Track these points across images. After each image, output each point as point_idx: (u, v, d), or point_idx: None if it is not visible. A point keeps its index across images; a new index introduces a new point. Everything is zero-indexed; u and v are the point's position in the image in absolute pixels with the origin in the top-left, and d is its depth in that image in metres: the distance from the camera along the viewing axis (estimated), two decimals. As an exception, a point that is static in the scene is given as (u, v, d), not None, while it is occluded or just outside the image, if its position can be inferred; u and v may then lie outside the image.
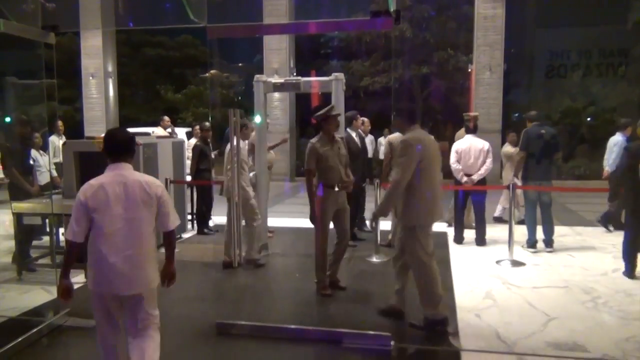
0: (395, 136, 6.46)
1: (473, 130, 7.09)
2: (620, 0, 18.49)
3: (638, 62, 17.65)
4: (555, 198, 11.88)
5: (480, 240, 7.07)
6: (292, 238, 7.63)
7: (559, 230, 7.92)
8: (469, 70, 15.56)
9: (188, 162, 8.34)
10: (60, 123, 8.39)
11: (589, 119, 18.56)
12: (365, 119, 7.66)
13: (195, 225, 8.10)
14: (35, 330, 4.14)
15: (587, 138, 18.10)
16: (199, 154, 7.75)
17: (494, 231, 7.45)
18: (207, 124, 8.19)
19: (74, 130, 15.98)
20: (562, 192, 12.88)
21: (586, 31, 19.04)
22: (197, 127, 8.36)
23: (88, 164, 6.68)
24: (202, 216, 7.97)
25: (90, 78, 16.94)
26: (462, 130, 7.39)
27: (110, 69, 17.33)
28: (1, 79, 13.77)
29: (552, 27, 20.17)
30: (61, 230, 6.34)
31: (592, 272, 5.76)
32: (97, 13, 15.83)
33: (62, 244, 6.15)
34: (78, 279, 5.56)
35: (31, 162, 6.63)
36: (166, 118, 9.65)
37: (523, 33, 20.64)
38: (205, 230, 7.87)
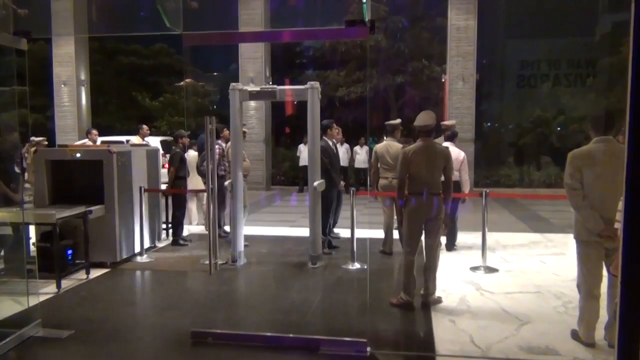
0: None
1: (450, 138, 7.18)
2: (588, 13, 19.06)
3: (605, 74, 18.16)
4: (527, 206, 12.18)
5: (450, 246, 7.19)
6: (267, 246, 7.61)
7: (531, 237, 8.10)
8: (443, 80, 15.81)
9: (163, 171, 8.25)
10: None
11: (558, 128, 19.00)
12: (337, 128, 7.63)
13: (170, 234, 7.99)
14: (2, 342, 4.00)
15: (557, 147, 18.50)
16: (180, 161, 7.69)
17: (467, 238, 7.55)
18: (183, 131, 8.15)
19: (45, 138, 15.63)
20: (534, 200, 13.15)
21: (555, 42, 19.54)
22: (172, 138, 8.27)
23: (60, 173, 6.58)
24: (177, 225, 7.87)
25: (62, 86, 16.69)
26: (441, 138, 7.46)
27: (82, 76, 17.10)
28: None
29: (522, 38, 20.67)
30: (31, 240, 6.20)
31: (562, 277, 5.87)
32: (70, 19, 15.65)
33: (33, 254, 6.02)
34: (49, 289, 5.48)
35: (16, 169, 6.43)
36: (145, 127, 9.44)
37: (495, 44, 21.09)
38: (180, 242, 7.74)
